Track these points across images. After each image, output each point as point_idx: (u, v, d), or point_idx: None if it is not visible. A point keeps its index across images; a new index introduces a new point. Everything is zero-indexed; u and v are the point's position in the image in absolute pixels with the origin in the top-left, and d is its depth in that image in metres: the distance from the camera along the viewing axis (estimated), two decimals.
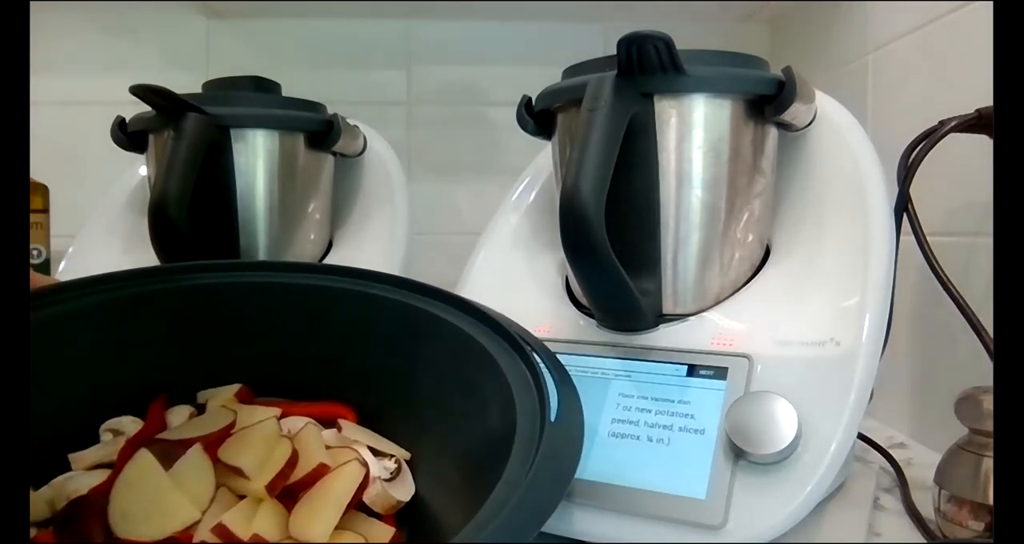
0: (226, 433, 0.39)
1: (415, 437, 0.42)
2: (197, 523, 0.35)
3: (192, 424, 0.41)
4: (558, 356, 0.46)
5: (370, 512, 0.39)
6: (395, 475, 0.40)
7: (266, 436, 0.39)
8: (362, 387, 0.44)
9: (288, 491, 0.37)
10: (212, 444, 0.38)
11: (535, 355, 0.38)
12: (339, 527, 0.36)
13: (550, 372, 0.38)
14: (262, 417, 0.40)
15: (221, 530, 0.34)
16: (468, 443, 0.39)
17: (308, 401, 0.44)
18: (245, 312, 0.45)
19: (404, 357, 0.43)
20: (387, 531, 0.37)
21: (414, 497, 0.40)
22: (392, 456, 0.41)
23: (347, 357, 0.45)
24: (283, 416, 0.42)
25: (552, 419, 0.33)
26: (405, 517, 0.40)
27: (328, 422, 0.43)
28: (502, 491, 0.30)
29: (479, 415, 0.38)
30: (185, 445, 0.38)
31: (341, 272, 0.46)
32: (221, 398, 0.44)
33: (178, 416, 0.42)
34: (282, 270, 0.47)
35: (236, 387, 0.45)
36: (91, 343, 0.42)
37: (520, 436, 0.33)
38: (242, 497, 0.37)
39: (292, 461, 0.38)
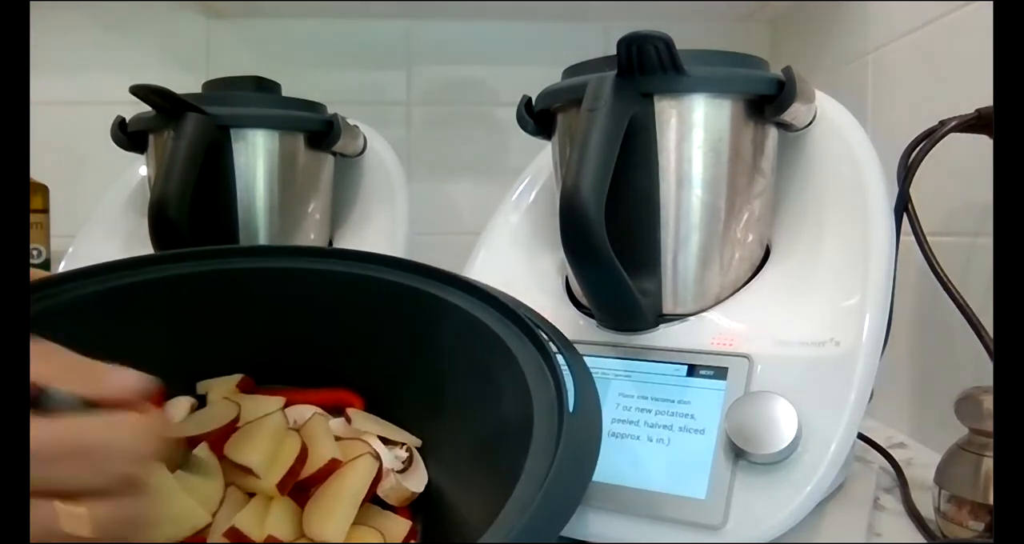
0: (231, 428, 0.38)
1: (425, 423, 0.41)
2: (208, 526, 0.34)
3: (195, 419, 0.40)
4: (558, 356, 0.46)
5: (384, 504, 0.38)
6: (407, 465, 0.39)
7: (273, 431, 0.38)
8: (369, 372, 0.43)
9: (299, 487, 0.37)
10: (217, 440, 0.37)
11: (547, 338, 0.37)
12: (355, 522, 0.36)
13: (563, 355, 0.37)
14: (267, 410, 0.39)
15: (234, 534, 0.34)
16: (482, 430, 0.38)
17: (312, 388, 0.43)
18: (245, 298, 0.44)
19: (412, 342, 0.42)
20: (403, 524, 0.37)
21: (427, 486, 0.39)
22: (403, 444, 0.40)
23: (353, 342, 0.44)
24: (287, 405, 0.41)
25: (571, 410, 0.33)
26: (419, 507, 0.39)
27: (335, 410, 0.42)
28: (526, 488, 0.29)
29: (492, 401, 0.37)
30: (190, 443, 0.37)
31: (346, 256, 0.45)
32: (222, 389, 0.42)
33: (178, 408, 0.41)
34: (286, 255, 0.45)
35: (237, 377, 0.43)
36: (85, 334, 0.41)
37: (539, 428, 0.32)
38: (251, 494, 0.36)
39: (302, 457, 0.37)
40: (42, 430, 0.22)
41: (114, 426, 0.24)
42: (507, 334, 0.38)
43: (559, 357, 0.36)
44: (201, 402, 0.42)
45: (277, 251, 0.46)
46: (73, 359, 0.25)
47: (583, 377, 0.36)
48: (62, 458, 0.22)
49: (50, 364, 0.24)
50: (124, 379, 0.25)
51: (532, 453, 0.31)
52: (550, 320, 0.50)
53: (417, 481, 0.39)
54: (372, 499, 0.38)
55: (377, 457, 0.38)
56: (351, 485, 0.36)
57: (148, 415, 0.25)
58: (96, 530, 0.22)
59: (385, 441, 0.40)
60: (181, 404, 0.42)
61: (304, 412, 0.41)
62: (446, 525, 0.38)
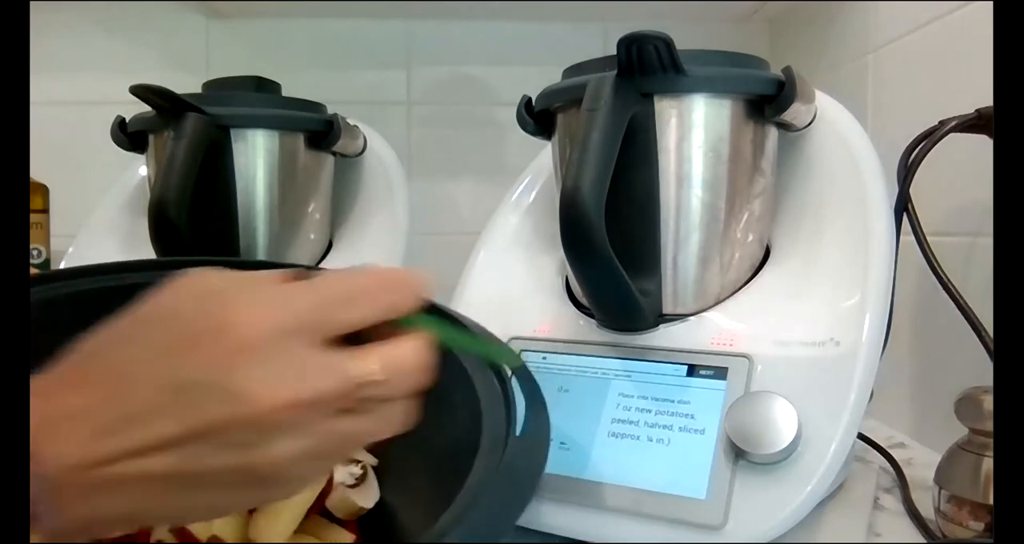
0: None
1: (384, 442, 0.42)
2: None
3: None
4: (558, 356, 0.46)
5: (333, 517, 0.39)
6: (360, 481, 0.40)
7: None
8: None
9: None
10: None
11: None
12: (299, 531, 0.37)
13: (519, 382, 0.38)
14: None
15: (180, 531, 0.35)
16: (436, 450, 0.38)
17: None
18: None
19: None
20: (346, 537, 0.38)
21: (380, 503, 0.40)
22: (359, 462, 0.41)
23: None
24: None
25: (517, 433, 0.33)
26: (369, 522, 0.40)
27: None
28: (460, 503, 0.30)
29: (448, 424, 0.37)
30: None
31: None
32: None
33: None
34: (259, 269, 0.46)
35: None
36: (74, 332, 0.42)
37: (483, 449, 0.33)
38: None
39: None
40: (322, 281, 0.27)
41: (370, 273, 0.28)
42: (468, 360, 0.38)
43: (515, 383, 0.37)
44: None
45: (270, 266, 0.47)
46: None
47: (536, 404, 0.37)
48: (335, 301, 0.26)
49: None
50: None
51: (474, 472, 0.31)
52: (550, 320, 0.51)
53: (367, 497, 0.40)
54: (321, 511, 0.39)
55: None
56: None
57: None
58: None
59: None
60: None
61: None
62: (393, 542, 0.39)
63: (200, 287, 0.26)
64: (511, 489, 0.31)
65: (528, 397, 0.37)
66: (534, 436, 0.34)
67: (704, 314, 0.47)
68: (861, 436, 0.57)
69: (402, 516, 0.39)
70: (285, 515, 0.36)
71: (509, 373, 0.37)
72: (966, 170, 0.56)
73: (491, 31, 0.94)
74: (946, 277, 0.49)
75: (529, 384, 0.39)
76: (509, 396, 0.35)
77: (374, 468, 0.41)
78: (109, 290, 0.42)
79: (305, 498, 0.37)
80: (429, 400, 0.39)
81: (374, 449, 0.42)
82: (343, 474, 0.39)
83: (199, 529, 0.35)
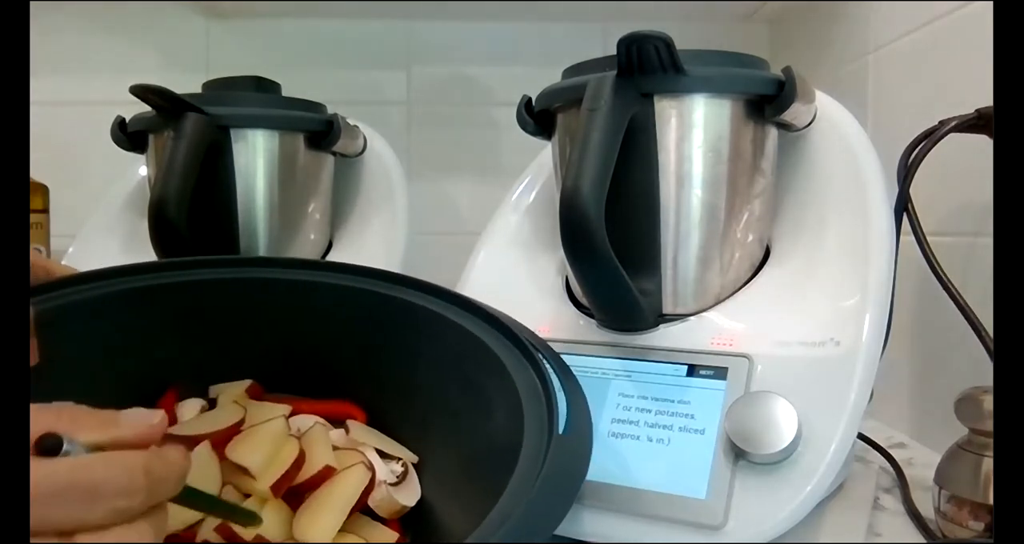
0: (235, 430, 0.39)
1: (422, 438, 0.42)
2: (201, 522, 0.35)
3: (201, 420, 0.41)
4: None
5: (376, 515, 0.39)
6: (401, 479, 0.40)
7: (274, 435, 0.38)
8: (370, 386, 0.44)
9: (294, 491, 0.37)
10: (220, 441, 0.38)
11: (544, 360, 0.37)
12: (343, 530, 0.36)
13: (559, 378, 0.37)
14: (271, 415, 0.40)
15: (224, 530, 0.34)
16: (474, 448, 0.38)
17: (319, 399, 0.44)
18: (260, 307, 0.45)
19: (411, 357, 0.43)
20: (390, 535, 0.37)
21: (420, 501, 0.40)
22: (399, 459, 0.41)
23: (354, 356, 0.44)
24: (293, 414, 0.42)
25: (560, 431, 0.33)
26: (410, 521, 0.40)
27: (337, 421, 0.43)
28: (506, 504, 0.29)
29: (485, 419, 0.37)
30: (193, 442, 0.37)
31: (349, 270, 0.45)
32: (232, 393, 0.43)
33: (189, 410, 0.42)
34: (289, 267, 0.46)
35: (247, 383, 0.44)
36: (101, 335, 0.42)
37: (527, 447, 0.32)
38: (248, 495, 0.37)
39: (299, 462, 0.37)
40: (41, 472, 0.23)
41: (108, 463, 0.24)
42: (506, 355, 0.38)
43: (555, 380, 0.37)
44: (213, 405, 0.43)
45: (292, 263, 0.47)
46: (90, 411, 0.26)
47: (577, 401, 0.37)
48: (57, 497, 0.23)
49: (63, 418, 0.24)
50: (135, 419, 0.26)
51: (518, 471, 0.31)
52: (550, 320, 0.51)
53: (409, 495, 0.40)
54: (364, 510, 0.38)
55: (370, 467, 0.38)
56: (342, 492, 0.37)
57: (154, 451, 0.25)
58: None
59: (383, 455, 0.41)
60: (193, 405, 0.42)
61: (307, 422, 0.41)
62: (435, 540, 0.38)
63: None
64: (555, 493, 0.30)
65: (568, 393, 0.37)
66: (577, 436, 0.34)
67: (704, 314, 0.47)
68: (861, 436, 0.57)
69: (443, 514, 0.39)
70: (329, 515, 0.36)
71: (546, 365, 0.37)
72: (966, 170, 0.56)
73: (491, 31, 0.94)
74: (946, 277, 0.49)
75: (567, 375, 0.39)
76: (550, 391, 0.35)
77: (414, 466, 0.41)
78: (114, 295, 0.42)
79: (348, 498, 0.37)
80: (466, 396, 0.39)
81: (412, 443, 0.42)
82: (385, 472, 0.39)
83: (244, 528, 0.34)
